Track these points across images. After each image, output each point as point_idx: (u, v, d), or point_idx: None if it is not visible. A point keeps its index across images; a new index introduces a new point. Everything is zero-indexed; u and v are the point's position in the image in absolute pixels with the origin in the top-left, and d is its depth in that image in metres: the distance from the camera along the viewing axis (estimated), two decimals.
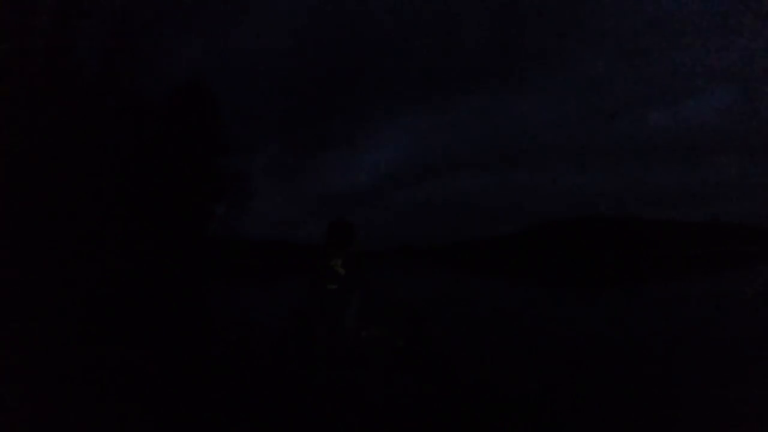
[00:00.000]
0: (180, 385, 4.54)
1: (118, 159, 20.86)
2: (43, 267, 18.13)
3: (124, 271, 20.98)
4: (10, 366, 5.05)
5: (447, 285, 21.26)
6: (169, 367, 5.24)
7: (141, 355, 5.74)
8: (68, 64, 22.13)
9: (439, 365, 4.48)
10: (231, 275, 27.33)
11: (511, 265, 51.64)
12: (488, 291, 17.78)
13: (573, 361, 5.52)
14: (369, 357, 2.67)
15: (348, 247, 2.78)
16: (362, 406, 2.54)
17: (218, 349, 6.29)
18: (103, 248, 20.93)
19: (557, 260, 65.75)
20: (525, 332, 7.69)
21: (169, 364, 5.43)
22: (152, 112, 22.34)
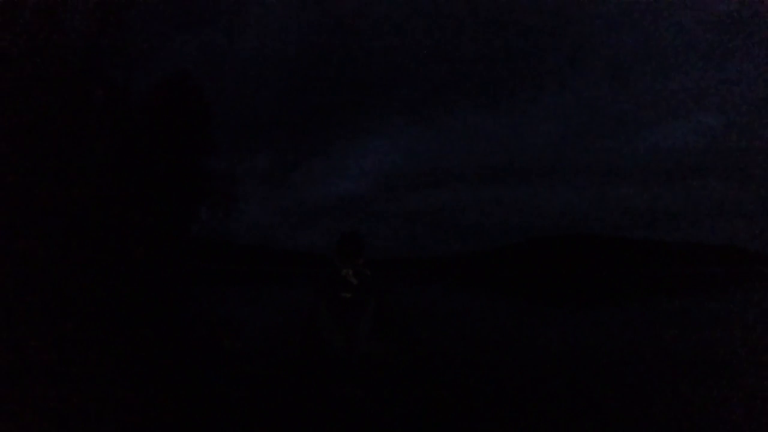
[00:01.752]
0: (177, 388, 4.47)
1: (100, 155, 20.10)
2: (17, 267, 17.31)
3: (106, 271, 20.24)
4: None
5: (436, 298, 20.89)
6: (163, 371, 5.13)
7: (132, 359, 5.59)
8: (52, 54, 21.36)
9: (434, 379, 4.77)
10: (216, 277, 26.64)
11: (498, 279, 51.68)
12: (476, 305, 17.46)
13: (562, 376, 5.57)
14: (373, 370, 2.58)
15: (359, 258, 2.72)
16: (365, 418, 2.48)
17: (211, 354, 6.23)
18: (84, 247, 20.08)
19: (543, 276, 66.20)
20: (514, 348, 7.74)
21: (163, 367, 5.30)
22: (138, 107, 21.61)
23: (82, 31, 22.80)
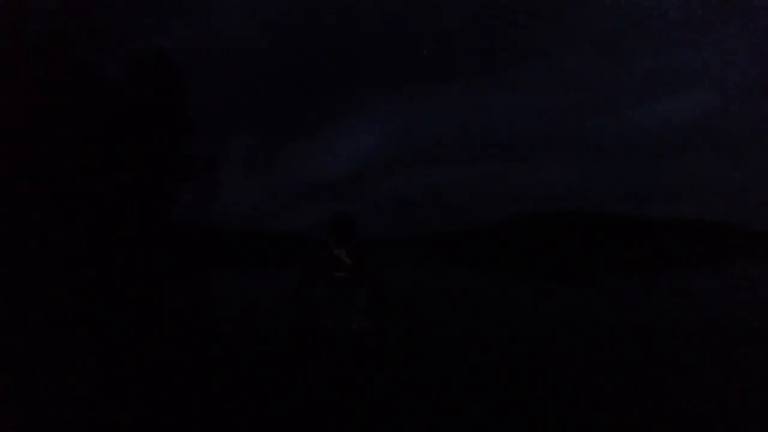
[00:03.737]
0: (172, 379, 4.46)
1: (73, 138, 19.30)
2: None
3: (85, 259, 19.75)
4: None
5: (427, 277, 20.78)
6: (156, 362, 5.10)
7: (122, 351, 5.54)
8: (18, 34, 20.22)
9: (429, 358, 5.04)
10: (201, 263, 26.26)
11: (488, 256, 52.07)
12: (464, 282, 17.41)
13: (550, 353, 5.66)
14: (368, 349, 2.59)
15: (351, 238, 2.74)
16: (362, 398, 2.51)
17: (202, 342, 6.22)
18: (61, 235, 19.46)
19: (531, 252, 67.10)
20: (504, 325, 7.79)
21: (155, 358, 5.28)
22: (111, 87, 20.69)
23: (48, 12, 21.64)
